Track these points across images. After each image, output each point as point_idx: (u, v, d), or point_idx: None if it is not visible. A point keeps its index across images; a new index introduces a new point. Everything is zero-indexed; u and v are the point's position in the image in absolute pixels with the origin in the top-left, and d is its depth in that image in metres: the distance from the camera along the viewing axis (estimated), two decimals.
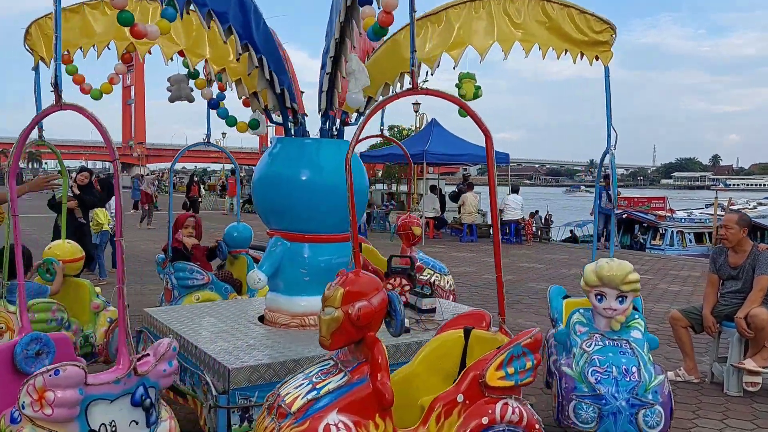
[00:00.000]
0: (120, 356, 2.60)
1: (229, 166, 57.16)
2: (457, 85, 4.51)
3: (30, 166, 70.74)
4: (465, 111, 2.96)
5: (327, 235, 3.94)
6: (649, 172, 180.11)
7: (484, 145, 2.99)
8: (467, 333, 2.97)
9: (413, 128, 22.37)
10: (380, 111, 5.57)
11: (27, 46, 4.39)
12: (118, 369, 2.59)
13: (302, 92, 4.31)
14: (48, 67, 4.34)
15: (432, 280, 5.41)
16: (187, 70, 4.41)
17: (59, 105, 2.54)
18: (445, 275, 5.72)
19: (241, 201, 27.47)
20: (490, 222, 17.96)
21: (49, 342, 3.03)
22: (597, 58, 3.81)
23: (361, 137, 3.35)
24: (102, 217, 9.41)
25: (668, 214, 22.55)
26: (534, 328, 2.74)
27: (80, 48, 4.35)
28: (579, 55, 3.84)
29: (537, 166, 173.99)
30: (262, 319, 4.06)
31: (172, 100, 4.46)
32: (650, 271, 11.67)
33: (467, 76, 4.47)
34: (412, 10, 2.83)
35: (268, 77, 3.92)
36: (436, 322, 3.77)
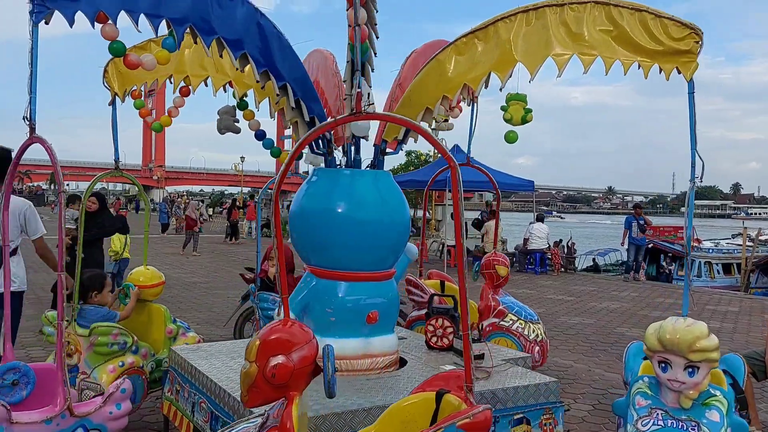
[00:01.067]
0: (56, 396, 2.52)
1: (246, 190, 57.48)
2: (503, 108, 4.25)
3: (51, 187, 71.54)
4: (426, 139, 2.58)
5: (357, 272, 3.64)
6: (668, 199, 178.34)
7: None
8: (439, 397, 2.43)
9: (431, 154, 22.16)
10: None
11: (105, 83, 4.55)
12: (51, 409, 2.49)
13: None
14: (122, 102, 4.57)
15: (514, 328, 4.98)
16: (236, 101, 4.33)
17: (30, 138, 2.77)
18: (533, 322, 5.11)
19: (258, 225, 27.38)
20: (511, 250, 17.60)
21: (29, 373, 2.93)
22: (678, 71, 3.17)
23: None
24: (119, 244, 8.90)
25: (695, 244, 22.03)
26: (481, 405, 2.22)
27: (145, 83, 4.60)
28: (653, 68, 3.24)
29: (554, 192, 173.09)
30: None
31: (220, 130, 4.44)
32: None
33: (516, 98, 4.20)
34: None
35: (293, 105, 3.78)
36: (485, 371, 3.48)
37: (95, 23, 3.02)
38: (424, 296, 5.08)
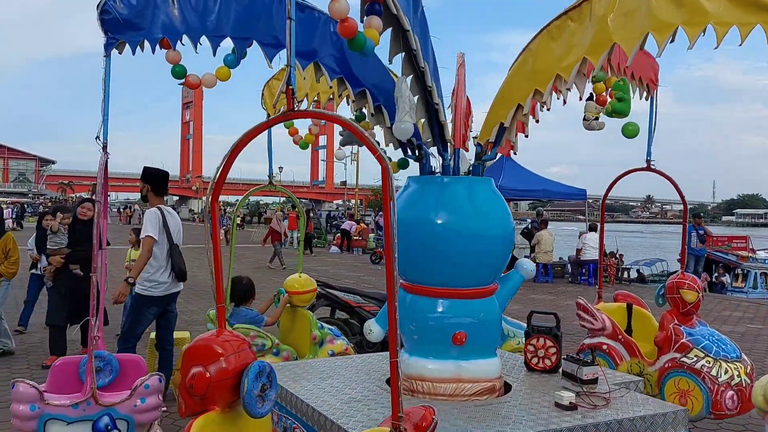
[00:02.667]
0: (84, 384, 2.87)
1: (283, 200, 57.77)
2: (618, 95, 3.97)
3: (93, 197, 73.04)
4: (358, 138, 2.25)
5: (441, 288, 3.39)
6: (709, 208, 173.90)
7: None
8: None
9: None
10: None
11: (263, 106, 4.81)
12: (79, 396, 2.81)
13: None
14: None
15: (698, 366, 4.12)
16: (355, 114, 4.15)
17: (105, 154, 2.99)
18: (728, 361, 4.12)
19: (299, 235, 27.21)
20: (564, 260, 17.14)
21: (113, 362, 3.21)
22: None
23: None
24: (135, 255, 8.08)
25: (750, 255, 21.20)
26: None
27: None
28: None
29: (590, 201, 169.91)
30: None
31: (343, 144, 4.37)
32: (755, 319, 10.69)
33: (620, 87, 3.92)
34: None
35: (372, 111, 3.66)
36: (603, 398, 3.18)
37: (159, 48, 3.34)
38: (595, 322, 4.71)
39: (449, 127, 3.50)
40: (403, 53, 3.07)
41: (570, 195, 16.12)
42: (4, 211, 7.25)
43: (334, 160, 41.75)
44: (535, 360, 3.76)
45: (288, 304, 5.17)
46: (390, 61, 3.14)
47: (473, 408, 3.10)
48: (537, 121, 3.73)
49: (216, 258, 2.30)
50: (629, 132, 4.21)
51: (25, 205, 50.83)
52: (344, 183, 54.35)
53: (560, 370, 3.59)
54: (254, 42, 3.51)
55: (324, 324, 5.12)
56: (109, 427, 2.80)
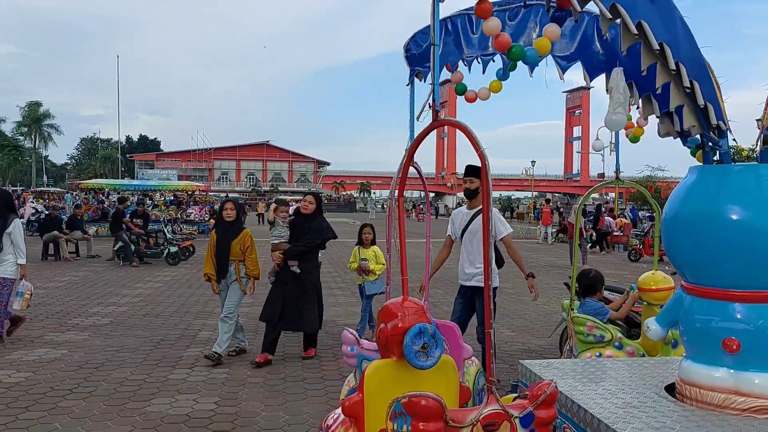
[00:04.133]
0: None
1: (535, 194, 56.75)
2: None
3: (361, 195, 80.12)
4: (467, 137, 2.25)
5: (714, 289, 3.02)
6: None
7: None
8: None
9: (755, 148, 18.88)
10: None
11: None
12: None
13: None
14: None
15: None
16: None
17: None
18: None
19: (554, 231, 26.48)
20: None
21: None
22: None
23: None
24: (377, 261, 7.78)
25: None
26: None
27: None
28: None
29: None
30: (671, 390, 3.27)
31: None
32: None
33: None
34: None
35: (688, 86, 3.23)
36: None
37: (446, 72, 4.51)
38: None
39: (712, 109, 3.08)
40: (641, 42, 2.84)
41: None
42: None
43: (590, 151, 39.73)
44: None
45: (645, 302, 5.05)
46: (623, 52, 2.93)
47: (751, 426, 2.71)
48: None
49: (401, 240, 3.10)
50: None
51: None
52: (602, 175, 51.51)
53: None
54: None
55: None
56: None
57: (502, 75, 4.43)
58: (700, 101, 3.03)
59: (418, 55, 4.30)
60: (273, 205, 7.00)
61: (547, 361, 3.92)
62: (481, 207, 5.25)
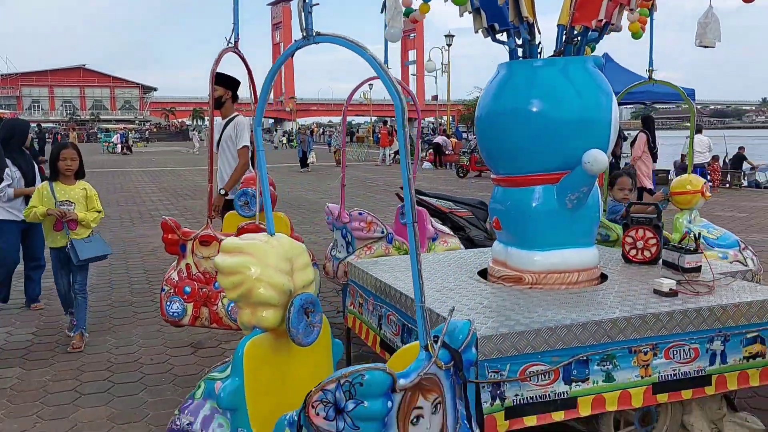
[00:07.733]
0: None
1: (374, 119, 57.63)
2: None
3: (194, 122, 76.03)
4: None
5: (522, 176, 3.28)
6: None
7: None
8: None
9: None
10: None
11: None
12: None
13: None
14: None
15: None
16: None
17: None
18: None
19: (392, 152, 27.20)
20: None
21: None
22: None
23: None
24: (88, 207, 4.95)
25: None
26: None
27: None
28: None
29: (699, 107, 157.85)
30: (484, 275, 3.56)
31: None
32: None
33: None
34: None
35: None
36: (707, 285, 3.05)
37: None
38: None
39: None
40: None
41: (677, 96, 14.98)
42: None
43: (425, 73, 40.63)
44: (633, 252, 3.64)
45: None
46: None
47: (566, 295, 3.07)
48: None
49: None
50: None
51: (132, 131, 54.19)
52: (435, 98, 53.30)
53: (660, 260, 3.46)
54: None
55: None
56: None
57: None
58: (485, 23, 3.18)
59: None
60: None
61: (374, 260, 4.08)
62: (231, 116, 5.17)
